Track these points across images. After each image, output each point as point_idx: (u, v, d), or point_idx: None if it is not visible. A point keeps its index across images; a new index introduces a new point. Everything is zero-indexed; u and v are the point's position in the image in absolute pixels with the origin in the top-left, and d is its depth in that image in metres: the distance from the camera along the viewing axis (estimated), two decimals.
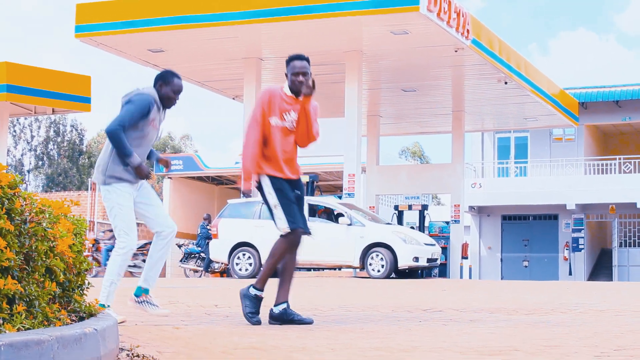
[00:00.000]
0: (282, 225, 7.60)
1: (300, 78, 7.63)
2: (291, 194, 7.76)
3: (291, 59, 7.78)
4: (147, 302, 7.65)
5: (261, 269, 7.82)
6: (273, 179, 7.76)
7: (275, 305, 7.68)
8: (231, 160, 35.54)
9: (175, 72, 7.71)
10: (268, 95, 7.74)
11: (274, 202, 7.66)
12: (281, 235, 7.69)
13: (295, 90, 7.68)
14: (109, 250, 28.75)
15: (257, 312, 7.64)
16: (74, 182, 62.09)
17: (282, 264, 7.76)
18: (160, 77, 7.63)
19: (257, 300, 7.68)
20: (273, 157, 7.79)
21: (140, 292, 7.67)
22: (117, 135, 7.30)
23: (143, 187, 7.70)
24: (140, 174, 7.42)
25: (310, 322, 7.58)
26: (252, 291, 7.70)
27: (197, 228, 30.42)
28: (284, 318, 7.60)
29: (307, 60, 7.79)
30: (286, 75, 7.76)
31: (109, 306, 7.27)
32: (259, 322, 7.53)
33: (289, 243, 7.67)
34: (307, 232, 7.74)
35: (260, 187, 7.84)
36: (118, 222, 7.46)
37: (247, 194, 7.83)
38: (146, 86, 7.67)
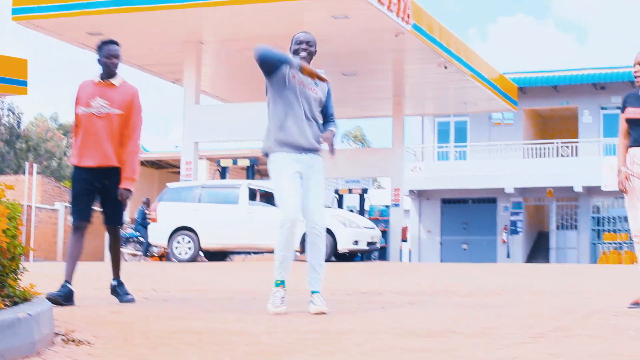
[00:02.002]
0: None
1: (114, 60, 7.84)
2: (82, 185, 7.95)
3: (104, 44, 7.90)
4: (312, 301, 7.17)
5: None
6: (74, 168, 7.99)
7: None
8: (171, 144, 35.37)
9: (107, 40, 7.98)
10: (78, 88, 7.99)
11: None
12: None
13: (107, 72, 7.86)
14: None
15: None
16: (11, 166, 61.32)
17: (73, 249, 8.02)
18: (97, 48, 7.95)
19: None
20: (77, 145, 7.96)
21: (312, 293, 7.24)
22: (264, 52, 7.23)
23: (314, 168, 7.33)
24: (305, 70, 7.15)
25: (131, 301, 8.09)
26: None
27: (135, 212, 30.21)
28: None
29: (118, 44, 7.97)
30: (98, 60, 7.90)
31: (281, 282, 7.16)
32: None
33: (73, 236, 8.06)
34: (82, 224, 8.04)
35: None
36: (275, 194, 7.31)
37: None
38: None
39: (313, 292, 7.20)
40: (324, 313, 7.02)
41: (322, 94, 7.43)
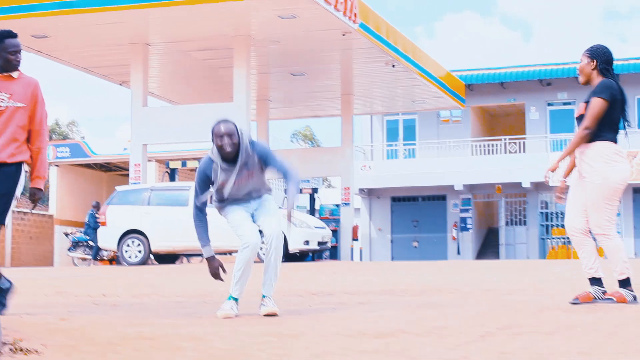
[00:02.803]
0: None
1: (19, 57, 7.21)
2: None
3: (3, 37, 7.39)
4: (262, 305, 7.29)
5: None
6: None
7: None
8: (119, 147, 35.07)
9: (217, 121, 7.33)
10: None
11: None
12: None
13: (7, 67, 7.19)
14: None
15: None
16: None
17: None
18: None
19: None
20: None
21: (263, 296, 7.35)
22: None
23: (262, 200, 7.61)
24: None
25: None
26: None
27: (85, 216, 29.97)
28: None
29: (17, 36, 7.36)
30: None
31: (235, 298, 7.29)
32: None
33: None
34: None
35: None
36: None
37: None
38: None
39: (264, 297, 7.28)
40: (275, 314, 7.08)
41: (255, 166, 7.45)
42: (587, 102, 7.34)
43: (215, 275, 7.33)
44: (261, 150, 7.42)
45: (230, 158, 7.26)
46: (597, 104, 7.24)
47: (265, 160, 7.43)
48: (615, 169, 7.28)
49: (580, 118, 7.41)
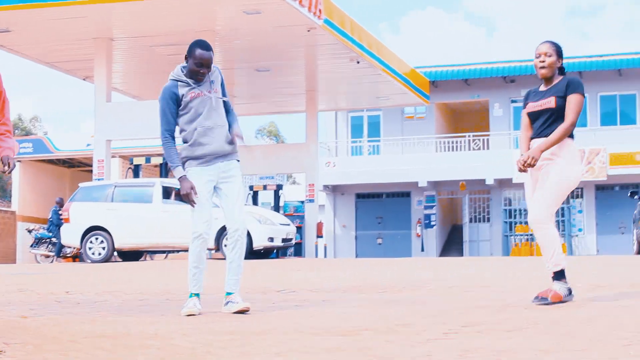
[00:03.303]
0: None
1: None
2: None
3: None
4: (229, 302, 7.24)
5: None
6: None
7: None
8: (83, 142, 34.86)
9: (199, 43, 7.41)
10: None
11: None
12: None
13: None
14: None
15: None
16: None
17: None
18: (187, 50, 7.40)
19: None
20: None
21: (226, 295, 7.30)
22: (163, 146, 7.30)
23: (229, 173, 7.37)
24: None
25: None
26: None
27: (48, 212, 29.78)
28: None
29: None
30: None
31: (196, 294, 7.23)
32: None
33: None
34: None
35: None
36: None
37: None
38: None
39: (228, 294, 7.23)
40: (247, 310, 7.07)
41: (219, 85, 7.46)
42: (558, 97, 7.32)
43: (187, 196, 7.19)
44: (221, 75, 7.55)
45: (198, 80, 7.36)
46: (581, 101, 7.29)
47: (222, 81, 7.52)
48: (575, 169, 7.32)
49: (543, 112, 7.39)
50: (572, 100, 7.28)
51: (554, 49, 7.48)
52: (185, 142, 7.37)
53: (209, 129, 7.28)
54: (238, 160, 7.45)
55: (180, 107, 7.34)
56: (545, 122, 7.37)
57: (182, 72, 7.39)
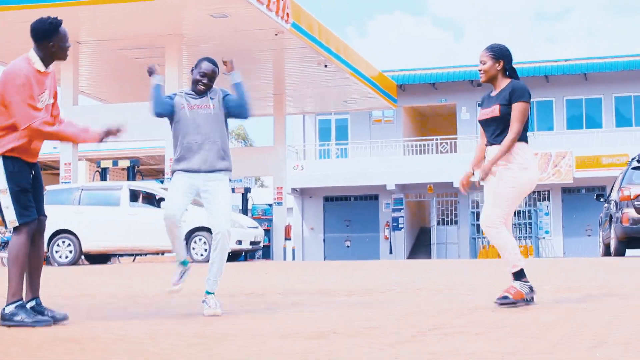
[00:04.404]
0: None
1: None
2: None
3: None
4: (205, 301, 7.37)
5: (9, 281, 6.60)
6: None
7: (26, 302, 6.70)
8: (49, 145, 34.66)
9: (207, 57, 7.84)
10: None
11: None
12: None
13: None
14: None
15: (42, 313, 6.72)
16: None
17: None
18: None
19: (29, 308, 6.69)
20: None
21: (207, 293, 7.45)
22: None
23: (214, 181, 7.61)
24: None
25: (63, 319, 6.71)
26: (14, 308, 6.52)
27: None
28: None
29: None
30: None
31: (182, 262, 7.83)
32: (50, 321, 6.57)
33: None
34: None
35: None
36: None
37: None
38: None
39: (208, 293, 7.40)
40: (217, 315, 7.16)
41: (219, 104, 7.68)
42: (502, 105, 7.31)
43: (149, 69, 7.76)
44: (225, 90, 7.82)
45: (198, 92, 7.67)
46: (526, 109, 7.28)
47: (225, 95, 7.75)
48: (528, 174, 7.30)
49: (490, 120, 7.39)
50: (517, 108, 7.26)
51: (490, 54, 7.43)
52: (175, 155, 7.67)
53: (197, 144, 7.54)
54: (229, 173, 7.75)
55: (173, 117, 7.63)
56: (495, 131, 7.36)
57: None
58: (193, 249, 21.33)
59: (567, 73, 39.33)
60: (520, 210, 37.79)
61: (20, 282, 6.61)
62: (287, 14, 22.84)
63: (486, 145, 7.50)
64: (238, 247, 21.59)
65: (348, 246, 40.96)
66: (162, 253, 22.94)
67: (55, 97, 7.11)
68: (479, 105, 7.69)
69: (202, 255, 21.07)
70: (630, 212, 19.80)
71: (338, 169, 39.66)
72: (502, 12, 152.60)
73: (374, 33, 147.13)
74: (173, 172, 7.64)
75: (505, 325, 5.89)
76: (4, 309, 6.49)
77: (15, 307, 6.49)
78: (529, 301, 7.21)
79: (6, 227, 6.76)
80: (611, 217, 20.77)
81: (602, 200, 23.25)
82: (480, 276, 12.19)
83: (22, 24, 22.91)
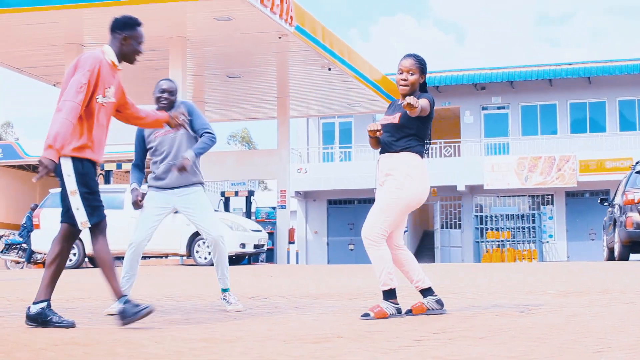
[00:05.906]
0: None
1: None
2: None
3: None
4: (224, 299, 8.05)
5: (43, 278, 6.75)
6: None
7: (34, 303, 6.69)
8: None
9: (164, 78, 8.37)
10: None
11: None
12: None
13: None
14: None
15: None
16: None
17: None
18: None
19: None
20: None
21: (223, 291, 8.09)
22: None
23: (189, 194, 8.03)
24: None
25: (70, 326, 6.61)
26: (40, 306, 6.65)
27: (19, 218, 29.60)
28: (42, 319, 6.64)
29: None
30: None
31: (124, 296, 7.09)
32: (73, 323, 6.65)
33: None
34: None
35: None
36: None
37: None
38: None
39: (224, 290, 8.00)
40: (239, 311, 7.77)
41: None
42: (404, 113, 6.96)
43: (135, 204, 8.11)
44: (189, 105, 8.09)
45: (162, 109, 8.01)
46: (428, 105, 6.94)
47: (190, 112, 7.95)
48: (412, 187, 7.03)
49: (388, 126, 7.11)
50: (422, 100, 6.90)
51: (418, 65, 7.16)
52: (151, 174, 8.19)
53: (171, 165, 7.96)
54: (200, 184, 8.11)
55: (149, 146, 8.14)
56: (391, 137, 7.10)
57: None
58: (197, 252, 21.35)
59: (571, 77, 39.31)
60: (523, 214, 37.78)
61: (117, 280, 6.81)
62: (291, 17, 22.85)
63: (380, 152, 7.26)
64: (241, 250, 21.60)
65: (352, 249, 40.95)
66: (166, 256, 22.95)
67: (123, 93, 7.32)
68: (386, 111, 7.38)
69: (205, 258, 21.08)
70: (634, 216, 19.79)
71: (342, 172, 39.66)
72: (505, 15, 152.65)
73: (377, 36, 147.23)
74: (148, 186, 8.11)
75: (510, 329, 5.89)
76: (120, 309, 6.58)
77: (124, 304, 6.61)
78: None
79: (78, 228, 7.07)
80: (615, 221, 20.76)
81: (606, 204, 23.23)
82: (484, 280, 12.18)
83: (26, 27, 23.05)
